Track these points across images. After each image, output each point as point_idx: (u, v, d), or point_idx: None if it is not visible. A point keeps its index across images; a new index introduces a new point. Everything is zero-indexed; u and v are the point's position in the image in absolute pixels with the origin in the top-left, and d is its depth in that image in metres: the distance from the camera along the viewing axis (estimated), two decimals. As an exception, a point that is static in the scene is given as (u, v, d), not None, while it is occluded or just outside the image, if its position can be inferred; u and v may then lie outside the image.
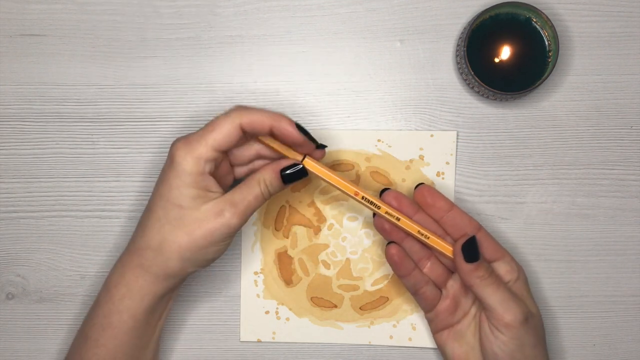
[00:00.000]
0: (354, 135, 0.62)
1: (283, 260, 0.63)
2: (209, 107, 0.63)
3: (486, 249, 0.56)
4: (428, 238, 0.55)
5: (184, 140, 0.52)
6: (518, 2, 0.58)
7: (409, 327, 0.63)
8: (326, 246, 0.63)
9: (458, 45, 0.61)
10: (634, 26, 0.62)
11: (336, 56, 0.63)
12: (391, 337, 0.63)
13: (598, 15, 0.62)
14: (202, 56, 0.63)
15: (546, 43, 0.59)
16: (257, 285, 0.63)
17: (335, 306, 0.63)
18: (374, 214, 0.56)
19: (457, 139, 0.62)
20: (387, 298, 0.63)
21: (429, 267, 0.57)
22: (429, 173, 0.62)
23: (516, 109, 0.62)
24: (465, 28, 0.60)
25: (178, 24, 0.63)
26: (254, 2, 0.63)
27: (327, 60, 0.63)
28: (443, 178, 0.62)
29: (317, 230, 0.63)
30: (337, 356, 0.63)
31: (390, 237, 0.57)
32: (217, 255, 0.54)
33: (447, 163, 0.62)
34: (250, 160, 0.56)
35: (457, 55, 0.61)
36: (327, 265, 0.63)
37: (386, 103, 0.63)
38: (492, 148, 0.62)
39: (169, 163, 0.52)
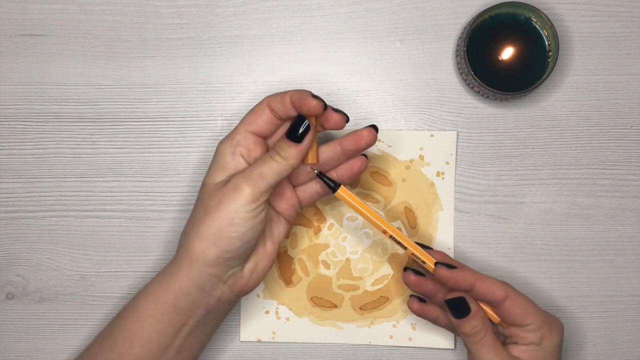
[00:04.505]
0: (354, 135, 0.62)
1: (283, 260, 0.63)
2: (209, 107, 0.63)
3: (513, 316, 0.54)
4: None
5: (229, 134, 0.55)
6: (518, 2, 0.58)
7: (409, 327, 0.63)
8: (326, 246, 0.63)
9: (458, 45, 0.61)
10: (634, 26, 0.62)
11: (336, 56, 0.63)
12: (391, 337, 0.63)
13: (598, 15, 0.62)
14: (202, 56, 0.63)
15: (546, 43, 0.59)
16: (257, 285, 0.63)
17: (335, 306, 0.63)
18: (405, 269, 0.57)
19: (457, 139, 0.62)
20: (387, 298, 0.63)
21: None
22: (429, 173, 0.62)
23: (516, 109, 0.62)
24: (465, 28, 0.60)
25: (178, 24, 0.63)
26: (254, 2, 0.63)
27: (327, 60, 0.63)
28: (443, 178, 0.62)
29: (317, 230, 0.63)
30: (337, 356, 0.63)
31: (417, 292, 0.58)
32: (238, 235, 0.52)
33: (447, 163, 0.62)
34: (312, 179, 0.58)
35: (457, 55, 0.61)
36: (327, 265, 0.63)
37: (386, 103, 0.63)
38: (492, 148, 0.62)
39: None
